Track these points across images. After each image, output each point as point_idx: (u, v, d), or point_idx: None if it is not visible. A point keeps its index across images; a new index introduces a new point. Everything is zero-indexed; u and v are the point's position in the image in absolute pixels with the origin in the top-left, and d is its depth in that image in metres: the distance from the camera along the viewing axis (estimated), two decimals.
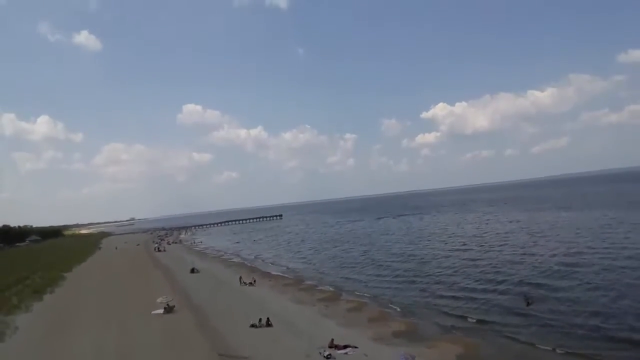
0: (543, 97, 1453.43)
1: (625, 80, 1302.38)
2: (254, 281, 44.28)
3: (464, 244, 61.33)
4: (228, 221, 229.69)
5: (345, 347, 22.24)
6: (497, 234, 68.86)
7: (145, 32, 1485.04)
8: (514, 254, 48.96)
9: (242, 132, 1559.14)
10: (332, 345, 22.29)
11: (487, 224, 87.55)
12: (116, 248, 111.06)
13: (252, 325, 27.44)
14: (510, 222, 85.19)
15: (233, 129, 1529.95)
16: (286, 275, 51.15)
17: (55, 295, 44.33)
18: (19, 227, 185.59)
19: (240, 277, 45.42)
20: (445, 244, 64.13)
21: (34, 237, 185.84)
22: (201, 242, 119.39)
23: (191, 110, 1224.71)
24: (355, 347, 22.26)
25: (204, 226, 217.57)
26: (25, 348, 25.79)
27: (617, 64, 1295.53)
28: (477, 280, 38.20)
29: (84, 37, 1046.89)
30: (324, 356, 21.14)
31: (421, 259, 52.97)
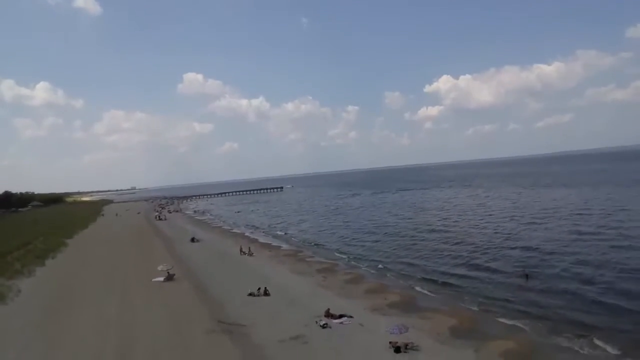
0: (549, 71, 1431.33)
1: (633, 56, 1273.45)
2: (250, 250, 44.73)
3: (465, 220, 61.71)
4: (229, 192, 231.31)
5: (340, 316, 22.63)
6: (498, 210, 69.06)
7: None
8: (514, 229, 49.19)
9: (244, 102, 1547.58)
10: (328, 315, 22.69)
11: (488, 200, 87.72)
12: (117, 214, 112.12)
13: (250, 294, 27.89)
14: (510, 199, 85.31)
15: (234, 99, 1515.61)
16: (285, 246, 51.73)
17: (57, 260, 45.00)
18: (20, 193, 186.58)
19: (241, 247, 45.91)
20: (445, 219, 64.42)
21: (35, 203, 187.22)
22: (202, 212, 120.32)
23: (192, 79, 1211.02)
24: (351, 317, 22.65)
25: (205, 196, 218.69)
26: (28, 311, 26.33)
27: (625, 40, 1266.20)
28: (475, 255, 38.49)
29: (83, 1, 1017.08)
30: (320, 325, 21.53)
31: (420, 233, 53.36)
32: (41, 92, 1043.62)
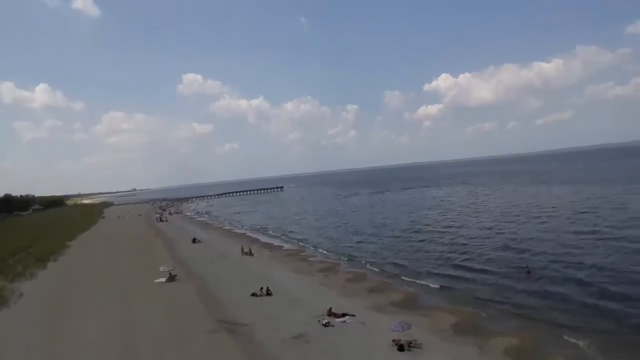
0: (548, 68, 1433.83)
1: (633, 52, 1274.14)
2: (250, 250, 44.80)
3: (464, 218, 61.65)
4: (229, 192, 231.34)
5: (343, 315, 22.62)
6: (498, 208, 69.05)
7: None
8: (513, 227, 49.15)
9: (243, 103, 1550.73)
10: (330, 314, 22.69)
11: (487, 198, 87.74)
12: (118, 217, 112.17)
13: (253, 294, 27.89)
14: (510, 196, 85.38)
15: (234, 99, 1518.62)
16: (286, 246, 51.72)
17: (59, 263, 45.06)
18: (20, 196, 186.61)
19: (242, 247, 45.93)
20: (445, 217, 64.35)
21: (36, 207, 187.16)
22: (202, 213, 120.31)
23: (191, 79, 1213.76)
24: (353, 315, 22.64)
25: (206, 197, 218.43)
26: (30, 314, 26.36)
27: (625, 36, 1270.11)
28: (476, 253, 38.43)
29: (81, 3, 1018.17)
30: (323, 324, 21.53)
31: (420, 232, 53.31)
32: (41, 94, 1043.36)
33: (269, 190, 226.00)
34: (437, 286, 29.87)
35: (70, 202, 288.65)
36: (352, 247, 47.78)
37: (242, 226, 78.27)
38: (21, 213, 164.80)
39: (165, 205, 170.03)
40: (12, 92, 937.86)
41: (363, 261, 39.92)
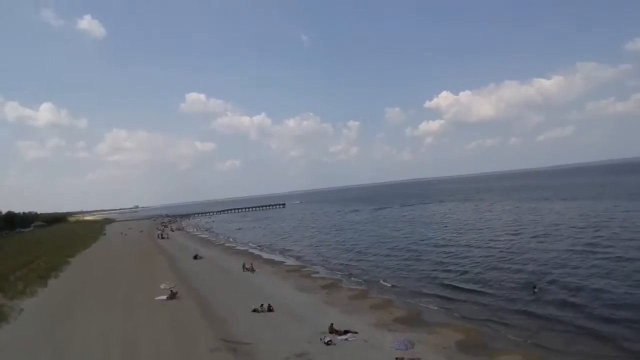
0: (549, 85, 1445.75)
1: (633, 68, 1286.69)
2: (252, 267, 44.51)
3: (467, 234, 61.34)
4: (231, 209, 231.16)
5: (345, 332, 22.37)
6: (500, 224, 68.77)
7: (149, 18, 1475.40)
8: (516, 243, 48.90)
9: (245, 120, 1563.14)
10: (332, 331, 22.43)
11: (489, 214, 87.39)
12: (121, 233, 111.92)
13: (254, 311, 27.67)
14: (512, 212, 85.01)
15: (236, 116, 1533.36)
16: (288, 262, 51.44)
17: (59, 280, 44.79)
18: (23, 213, 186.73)
19: (243, 264, 45.71)
20: (447, 233, 64.11)
21: (38, 223, 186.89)
22: (204, 229, 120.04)
23: (195, 99, 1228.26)
24: (355, 333, 22.38)
25: (208, 214, 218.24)
26: (30, 330, 26.14)
27: (624, 52, 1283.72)
28: (479, 269, 38.15)
29: (87, 23, 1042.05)
30: (325, 342, 21.27)
31: (423, 248, 53.03)
32: (45, 112, 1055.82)
33: (271, 207, 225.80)
34: (440, 303, 29.55)
35: (72, 219, 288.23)
36: (354, 264, 47.43)
37: (243, 243, 77.91)
38: (23, 230, 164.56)
39: (167, 221, 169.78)
40: (17, 111, 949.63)
41: (365, 278, 39.59)
